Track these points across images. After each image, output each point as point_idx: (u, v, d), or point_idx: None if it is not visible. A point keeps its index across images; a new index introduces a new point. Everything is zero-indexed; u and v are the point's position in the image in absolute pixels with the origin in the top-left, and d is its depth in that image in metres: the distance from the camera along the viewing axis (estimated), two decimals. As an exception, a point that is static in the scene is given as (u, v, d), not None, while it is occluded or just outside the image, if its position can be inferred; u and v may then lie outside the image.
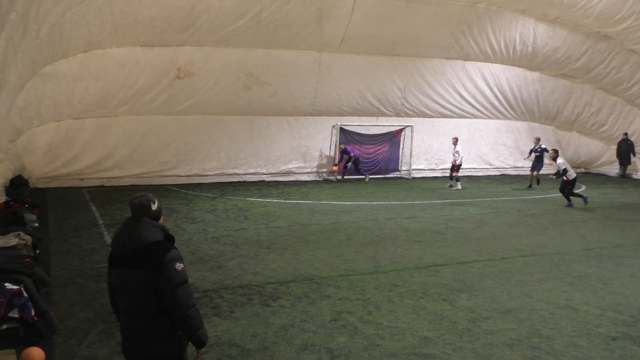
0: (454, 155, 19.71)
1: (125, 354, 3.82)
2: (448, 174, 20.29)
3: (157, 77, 17.14)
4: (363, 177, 20.81)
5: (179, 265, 3.65)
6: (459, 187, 19.22)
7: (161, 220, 3.92)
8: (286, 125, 20.27)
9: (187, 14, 15.58)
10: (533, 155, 20.15)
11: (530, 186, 19.81)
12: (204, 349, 3.81)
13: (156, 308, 3.61)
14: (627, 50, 20.67)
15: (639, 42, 19.88)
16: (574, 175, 15.81)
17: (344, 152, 20.48)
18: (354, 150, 20.69)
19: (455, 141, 19.82)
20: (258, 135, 19.81)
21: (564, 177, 15.69)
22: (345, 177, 20.70)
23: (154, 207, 3.82)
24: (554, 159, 16.08)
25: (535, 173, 19.96)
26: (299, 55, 18.65)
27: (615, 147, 23.97)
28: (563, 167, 15.68)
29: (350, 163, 20.45)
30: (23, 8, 9.62)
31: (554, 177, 16.44)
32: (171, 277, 3.57)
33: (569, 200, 15.82)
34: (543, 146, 20.16)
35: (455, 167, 19.61)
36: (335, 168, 20.30)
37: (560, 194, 16.11)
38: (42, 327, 6.06)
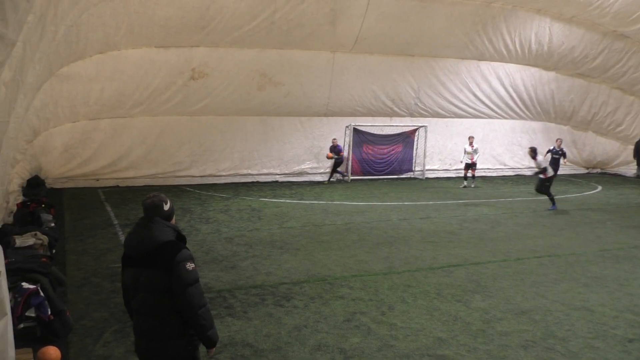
0: (471, 154, 19.66)
1: (138, 353, 3.86)
2: (463, 174, 20.14)
3: (171, 78, 17.26)
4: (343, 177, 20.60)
5: (190, 265, 3.68)
6: (472, 185, 19.50)
7: (173, 221, 3.96)
8: (299, 125, 20.29)
9: (202, 14, 15.67)
10: (549, 156, 18.91)
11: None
12: (214, 349, 3.84)
13: (169, 307, 3.65)
14: (645, 50, 20.42)
15: (657, 41, 19.63)
16: (552, 173, 15.42)
17: (334, 148, 19.92)
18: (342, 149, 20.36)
19: (472, 139, 19.85)
20: (271, 136, 19.86)
21: (541, 175, 15.33)
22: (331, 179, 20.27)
23: (166, 207, 3.86)
24: (533, 157, 15.54)
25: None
26: (312, 55, 18.66)
27: (632, 147, 23.65)
28: (543, 166, 15.32)
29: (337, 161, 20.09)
30: (41, 9, 9.73)
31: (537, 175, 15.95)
32: (182, 277, 3.61)
33: (554, 202, 15.35)
34: (564, 149, 19.27)
35: (474, 166, 19.66)
36: (330, 155, 19.85)
37: (541, 193, 15.66)
38: (58, 326, 6.13)
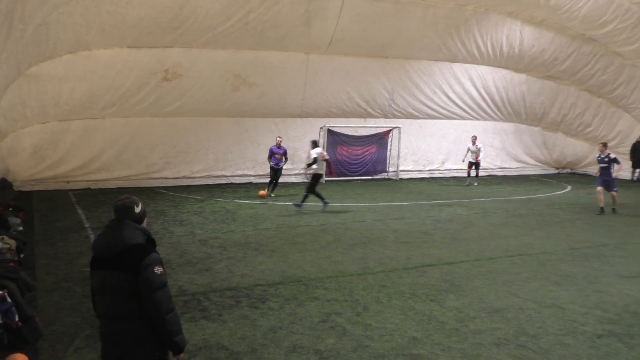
0: (476, 153, 20.41)
1: (105, 358, 3.77)
2: (467, 173, 20.91)
3: (144, 79, 17.05)
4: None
5: (158, 269, 3.62)
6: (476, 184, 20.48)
7: (145, 223, 3.90)
8: (274, 126, 20.24)
9: (175, 15, 15.52)
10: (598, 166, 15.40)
11: (602, 210, 14.98)
12: (182, 355, 3.77)
13: (137, 311, 3.58)
14: (612, 53, 20.92)
15: (623, 44, 20.13)
16: (321, 171, 14.98)
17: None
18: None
19: (475, 139, 20.57)
20: (246, 137, 19.78)
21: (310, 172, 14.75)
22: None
23: (138, 209, 3.81)
24: (313, 148, 14.96)
25: (612, 193, 15.15)
26: (287, 56, 18.64)
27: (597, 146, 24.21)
28: (314, 157, 14.69)
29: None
30: (7, 7, 9.53)
31: (306, 168, 15.16)
32: (150, 280, 3.55)
33: (324, 200, 14.51)
34: (612, 155, 15.11)
35: (477, 165, 20.53)
36: (263, 193, 16.64)
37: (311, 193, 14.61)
38: (27, 332, 5.98)
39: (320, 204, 14.57)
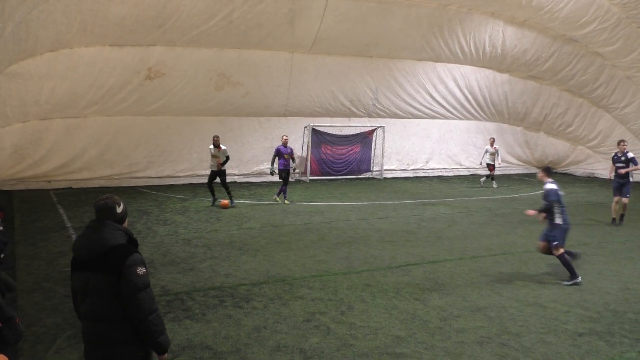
0: (492, 155, 20.15)
1: (89, 359, 3.74)
2: (488, 175, 20.56)
3: (127, 77, 16.89)
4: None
5: (141, 270, 3.60)
6: (483, 183, 20.39)
7: (126, 223, 3.88)
8: (258, 126, 20.19)
9: (158, 13, 15.40)
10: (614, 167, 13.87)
11: (615, 220, 13.73)
12: (165, 355, 3.76)
13: (119, 312, 3.57)
14: (592, 53, 21.19)
15: (604, 45, 20.40)
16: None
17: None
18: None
19: (493, 141, 20.52)
20: (230, 136, 19.66)
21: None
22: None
23: (119, 209, 3.78)
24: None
25: (623, 199, 13.61)
26: (271, 55, 18.60)
27: (582, 147, 24.56)
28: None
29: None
30: (-13, 6, 9.38)
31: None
32: (132, 281, 3.54)
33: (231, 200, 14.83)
34: (630, 154, 13.60)
35: (492, 166, 20.25)
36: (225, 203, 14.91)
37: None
38: (7, 333, 5.87)
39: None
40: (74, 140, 17.27)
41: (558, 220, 8.66)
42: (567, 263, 8.64)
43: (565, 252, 8.71)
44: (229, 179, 19.37)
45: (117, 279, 3.53)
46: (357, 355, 5.93)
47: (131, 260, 3.58)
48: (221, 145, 14.96)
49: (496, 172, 20.79)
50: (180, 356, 5.80)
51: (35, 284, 8.16)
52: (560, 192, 8.79)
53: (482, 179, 20.70)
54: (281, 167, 15.50)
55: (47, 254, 9.80)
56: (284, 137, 15.91)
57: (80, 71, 16.04)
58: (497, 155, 20.54)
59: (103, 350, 3.62)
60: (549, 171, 9.20)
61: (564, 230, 8.70)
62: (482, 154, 20.91)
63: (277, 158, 15.49)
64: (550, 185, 8.84)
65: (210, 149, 15.11)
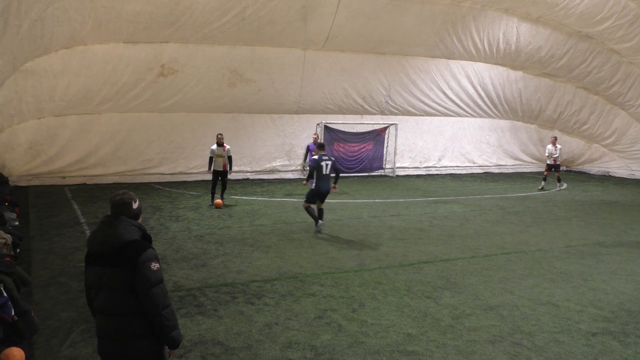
0: (553, 154, 19.32)
1: (101, 354, 3.77)
2: (544, 175, 19.71)
3: (140, 74, 17.00)
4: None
5: (155, 265, 3.64)
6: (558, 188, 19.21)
7: (140, 220, 3.91)
8: (271, 123, 20.23)
9: (172, 10, 15.47)
10: None
11: None
12: (177, 349, 3.81)
13: (133, 307, 3.60)
14: (609, 50, 20.96)
15: (620, 41, 20.16)
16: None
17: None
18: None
19: (555, 140, 19.62)
20: (243, 133, 19.76)
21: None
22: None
23: (135, 205, 3.81)
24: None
25: None
26: (283, 52, 18.61)
27: (597, 145, 24.32)
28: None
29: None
30: (3, 3, 9.50)
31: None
32: (146, 277, 3.57)
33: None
34: None
35: (557, 168, 19.36)
36: (219, 202, 14.35)
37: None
38: (23, 327, 5.98)
39: None
40: (88, 136, 17.43)
41: None
42: None
43: None
44: (240, 176, 19.56)
45: (131, 274, 3.56)
46: (368, 352, 5.93)
47: (145, 255, 3.60)
48: (225, 144, 14.40)
49: (511, 170, 20.58)
50: (192, 352, 5.83)
51: (50, 278, 8.25)
52: None
53: (543, 183, 19.52)
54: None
55: (61, 249, 9.91)
56: (314, 135, 17.74)
57: (95, 68, 16.17)
58: (558, 155, 19.47)
59: (117, 345, 3.65)
60: None
61: None
62: (547, 154, 19.79)
63: (308, 154, 16.67)
64: None
65: (212, 149, 14.30)
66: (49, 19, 13.42)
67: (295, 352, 5.90)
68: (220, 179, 14.39)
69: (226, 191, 14.83)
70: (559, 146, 19.53)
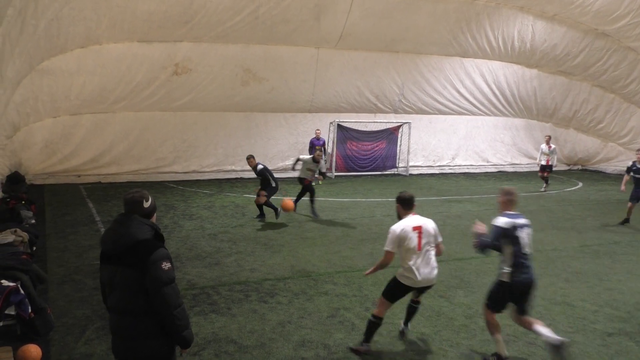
0: (548, 155, 18.28)
1: (114, 352, 3.80)
2: (540, 176, 18.73)
3: (154, 73, 17.10)
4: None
5: (166, 265, 3.62)
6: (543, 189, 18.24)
7: (154, 218, 3.90)
8: (284, 121, 20.25)
9: (185, 9, 15.55)
10: (631, 176, 13.17)
11: (626, 220, 13.19)
12: (188, 349, 3.80)
13: (144, 306, 3.60)
14: (625, 48, 20.69)
15: (637, 39, 19.90)
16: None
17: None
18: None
19: (549, 139, 18.71)
20: (256, 132, 19.79)
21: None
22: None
23: (147, 204, 3.80)
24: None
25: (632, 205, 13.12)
26: (297, 51, 18.62)
27: (612, 144, 24.03)
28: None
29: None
30: (21, 3, 9.60)
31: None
32: (157, 276, 3.56)
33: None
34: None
35: (549, 168, 18.40)
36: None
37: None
38: (39, 324, 6.05)
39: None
40: (102, 135, 17.57)
41: None
42: None
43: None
44: (253, 175, 19.47)
45: (143, 274, 3.56)
46: (381, 351, 5.92)
47: (157, 255, 3.59)
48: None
49: (526, 169, 20.26)
50: (206, 349, 5.86)
51: (65, 276, 8.34)
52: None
53: (544, 186, 18.37)
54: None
55: (76, 247, 10.00)
56: (317, 130, 18.02)
57: (109, 67, 16.31)
58: (554, 156, 18.44)
59: (128, 343, 3.67)
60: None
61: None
62: (539, 155, 18.83)
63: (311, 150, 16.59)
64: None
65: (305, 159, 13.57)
66: (65, 19, 13.55)
67: (309, 350, 5.91)
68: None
69: (240, 190, 14.81)
70: (552, 146, 18.57)
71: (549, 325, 6.70)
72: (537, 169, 19.41)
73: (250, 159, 12.70)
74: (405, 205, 6.26)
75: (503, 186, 6.18)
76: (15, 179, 14.53)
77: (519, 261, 5.72)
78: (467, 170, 23.14)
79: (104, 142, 17.65)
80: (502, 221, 6.08)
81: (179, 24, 16.05)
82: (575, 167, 25.68)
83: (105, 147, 17.71)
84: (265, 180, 12.54)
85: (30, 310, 6.02)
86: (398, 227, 6.06)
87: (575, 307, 7.41)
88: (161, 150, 18.51)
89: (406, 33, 19.10)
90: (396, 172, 22.09)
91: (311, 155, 13.96)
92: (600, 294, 7.99)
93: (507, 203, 6.22)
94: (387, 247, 5.89)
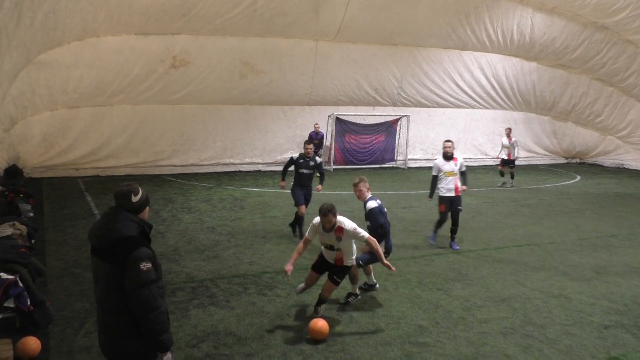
0: (508, 148, 17.26)
1: (100, 347, 3.72)
2: (499, 170, 17.85)
3: (152, 66, 17.05)
4: None
5: (145, 265, 3.44)
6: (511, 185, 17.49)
7: (146, 213, 3.76)
8: (282, 114, 20.23)
9: (183, 1, 15.49)
10: None
11: None
12: (168, 353, 3.59)
13: (121, 304, 3.47)
14: (624, 41, 20.67)
15: (636, 32, 19.87)
16: None
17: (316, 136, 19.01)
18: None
19: (509, 132, 17.62)
20: (254, 125, 19.77)
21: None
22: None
23: (135, 198, 3.64)
24: None
25: None
26: (295, 44, 18.58)
27: (611, 137, 24.05)
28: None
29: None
30: (17, -4, 9.54)
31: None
32: (135, 276, 3.40)
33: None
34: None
35: (511, 163, 17.44)
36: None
37: None
38: (38, 317, 6.07)
39: None
40: (100, 128, 17.54)
41: None
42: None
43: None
44: (252, 168, 19.62)
45: (121, 272, 3.44)
46: (379, 344, 5.94)
47: (137, 254, 3.44)
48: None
49: (524, 163, 20.12)
50: (205, 342, 5.88)
51: (64, 269, 8.34)
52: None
53: (501, 180, 17.77)
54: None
55: (75, 240, 10.01)
56: (316, 124, 17.45)
57: (107, 60, 16.26)
58: (515, 149, 17.36)
59: (109, 340, 3.59)
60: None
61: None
62: (500, 148, 17.92)
63: None
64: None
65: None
66: (62, 11, 13.48)
67: (307, 342, 5.93)
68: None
69: (238, 183, 14.81)
70: (513, 138, 17.58)
71: (545, 318, 6.75)
72: (535, 162, 19.46)
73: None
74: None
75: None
76: (13, 172, 14.53)
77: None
78: (466, 164, 23.09)
79: (102, 136, 17.61)
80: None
81: (176, 17, 15.99)
82: (574, 161, 25.71)
83: (103, 140, 17.67)
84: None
85: (29, 303, 6.02)
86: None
87: (572, 299, 7.44)
88: (159, 143, 18.48)
89: (405, 26, 19.05)
90: (395, 165, 22.10)
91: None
92: (597, 286, 8.02)
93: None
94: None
